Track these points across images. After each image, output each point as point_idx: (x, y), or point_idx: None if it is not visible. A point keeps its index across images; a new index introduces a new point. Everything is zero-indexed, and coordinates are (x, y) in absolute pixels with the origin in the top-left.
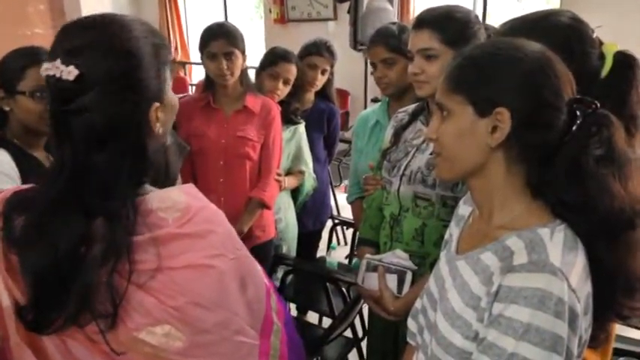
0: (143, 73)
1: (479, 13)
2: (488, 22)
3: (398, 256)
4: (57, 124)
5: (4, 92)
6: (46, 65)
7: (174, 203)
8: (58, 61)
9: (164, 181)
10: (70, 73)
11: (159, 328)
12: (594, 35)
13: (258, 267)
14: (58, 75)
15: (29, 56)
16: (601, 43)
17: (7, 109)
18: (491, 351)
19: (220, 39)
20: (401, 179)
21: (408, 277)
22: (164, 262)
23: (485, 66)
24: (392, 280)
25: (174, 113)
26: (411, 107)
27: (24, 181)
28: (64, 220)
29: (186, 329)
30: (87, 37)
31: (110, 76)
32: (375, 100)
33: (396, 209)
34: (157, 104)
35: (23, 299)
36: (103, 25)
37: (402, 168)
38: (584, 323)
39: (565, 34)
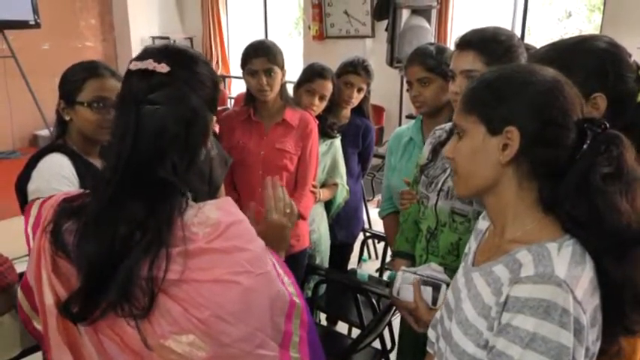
0: (207, 84)
1: (517, 31)
2: (527, 40)
3: (433, 269)
4: (127, 118)
5: (64, 103)
6: (135, 62)
7: (207, 219)
8: (150, 60)
9: (208, 189)
10: (163, 67)
11: (184, 337)
12: (632, 60)
13: (279, 284)
14: (151, 68)
15: (88, 70)
16: (639, 67)
17: (67, 118)
18: (499, 359)
19: (261, 56)
20: (438, 195)
21: (443, 289)
22: (190, 274)
23: (498, 87)
24: (427, 293)
25: None
26: (449, 124)
27: (82, 184)
28: (120, 215)
29: (210, 341)
30: (172, 49)
31: (190, 77)
32: (409, 117)
33: (433, 224)
34: (214, 118)
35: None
36: (181, 46)
37: (440, 184)
38: (592, 335)
39: (600, 57)
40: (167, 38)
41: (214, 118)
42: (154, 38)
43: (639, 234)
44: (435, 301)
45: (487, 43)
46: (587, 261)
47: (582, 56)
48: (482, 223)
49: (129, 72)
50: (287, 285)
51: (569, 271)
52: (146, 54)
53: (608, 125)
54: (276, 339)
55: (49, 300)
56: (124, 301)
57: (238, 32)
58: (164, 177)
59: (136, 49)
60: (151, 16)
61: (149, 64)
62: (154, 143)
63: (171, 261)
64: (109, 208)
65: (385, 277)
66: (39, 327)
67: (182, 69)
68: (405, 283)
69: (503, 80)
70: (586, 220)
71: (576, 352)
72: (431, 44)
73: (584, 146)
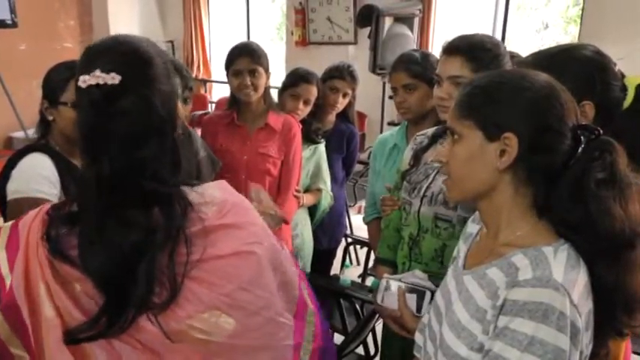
0: (162, 74)
1: None
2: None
3: (417, 276)
4: (96, 131)
5: (47, 103)
6: (83, 77)
7: (212, 198)
8: (97, 71)
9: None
10: (113, 78)
11: (207, 314)
12: (617, 68)
13: (289, 255)
14: (102, 82)
15: (71, 69)
16: (623, 76)
17: (50, 118)
18: None
19: (245, 57)
20: (422, 200)
21: (427, 296)
22: (210, 251)
23: (494, 93)
24: (411, 300)
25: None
26: (431, 130)
27: (63, 185)
28: (125, 223)
29: (237, 313)
30: (116, 51)
31: (144, 78)
32: (391, 124)
33: (415, 230)
34: (178, 101)
35: (74, 309)
36: (124, 40)
37: (423, 189)
38: (585, 338)
39: (587, 66)
40: None
41: (178, 102)
42: None
43: (632, 238)
44: (419, 308)
45: (475, 50)
46: (581, 265)
47: (571, 64)
48: (472, 226)
49: (79, 89)
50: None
51: (565, 275)
52: (90, 63)
53: (601, 131)
54: (289, 308)
55: (48, 312)
56: (146, 301)
57: (220, 36)
58: (150, 189)
59: None
60: (132, 18)
61: (98, 77)
62: (130, 156)
63: (191, 242)
64: (109, 220)
65: (368, 282)
66: (17, 351)
67: (133, 71)
68: (389, 291)
69: (499, 85)
70: (580, 224)
71: (572, 356)
72: (415, 51)
73: (578, 152)
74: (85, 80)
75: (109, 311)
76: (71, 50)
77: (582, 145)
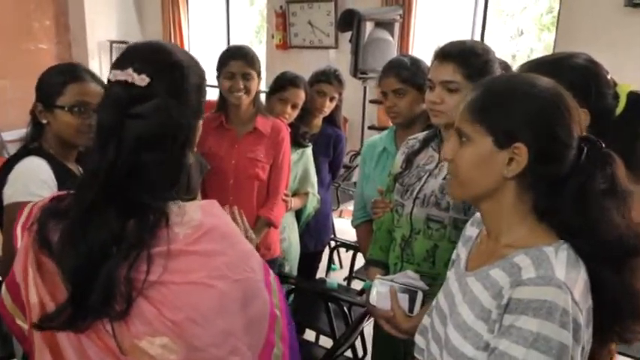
0: (191, 91)
1: None
2: None
3: (409, 277)
4: (108, 128)
5: (42, 106)
6: (115, 72)
7: (189, 220)
8: (130, 70)
9: (185, 195)
10: (142, 79)
11: (157, 339)
12: (609, 76)
13: (263, 292)
14: (130, 80)
15: (69, 73)
16: (615, 84)
17: (44, 122)
18: (502, 359)
19: (239, 60)
20: (414, 202)
21: (419, 296)
22: (168, 275)
23: (506, 101)
24: (404, 300)
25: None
26: (422, 134)
27: (60, 189)
28: (99, 223)
29: (182, 344)
30: (155, 55)
31: (173, 86)
32: (372, 128)
33: (407, 231)
34: (200, 122)
35: (50, 301)
36: (165, 47)
37: (415, 191)
38: (586, 335)
39: (583, 74)
40: (125, 43)
41: (200, 123)
42: (111, 42)
43: (636, 245)
44: (412, 308)
45: (467, 56)
46: (580, 264)
47: (566, 72)
48: (471, 230)
49: (109, 82)
50: (273, 294)
51: (567, 274)
52: (127, 60)
53: (603, 144)
54: (254, 347)
55: (33, 298)
56: (104, 305)
57: (200, 40)
58: (141, 200)
59: (92, 53)
60: (109, 19)
61: (128, 75)
62: (133, 158)
63: (152, 261)
64: (89, 217)
65: (354, 285)
66: (23, 325)
67: (163, 79)
68: (382, 292)
69: (511, 93)
70: (581, 229)
71: (574, 351)
72: (405, 56)
73: (581, 162)
74: (115, 74)
75: (72, 306)
76: (46, 51)
77: (584, 156)
